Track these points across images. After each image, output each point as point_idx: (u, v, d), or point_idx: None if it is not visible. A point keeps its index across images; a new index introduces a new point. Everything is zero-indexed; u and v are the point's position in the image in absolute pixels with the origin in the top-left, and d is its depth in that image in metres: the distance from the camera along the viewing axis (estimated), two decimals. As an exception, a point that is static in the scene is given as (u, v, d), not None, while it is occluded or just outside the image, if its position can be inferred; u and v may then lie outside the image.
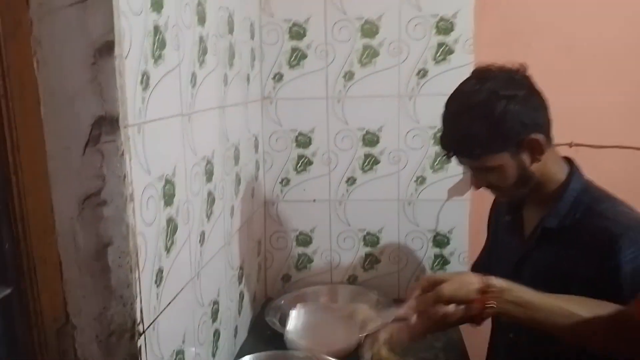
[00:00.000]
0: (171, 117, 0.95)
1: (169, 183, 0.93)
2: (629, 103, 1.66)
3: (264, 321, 1.49)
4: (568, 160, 1.13)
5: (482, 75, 1.07)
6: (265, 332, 1.47)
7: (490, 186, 1.11)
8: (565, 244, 1.04)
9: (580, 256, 1.01)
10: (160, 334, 0.90)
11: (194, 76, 1.04)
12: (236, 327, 1.40)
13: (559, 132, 1.11)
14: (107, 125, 0.76)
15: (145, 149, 0.84)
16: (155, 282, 0.89)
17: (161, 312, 0.91)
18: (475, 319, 0.91)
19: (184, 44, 0.99)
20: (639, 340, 0.81)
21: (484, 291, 0.89)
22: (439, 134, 1.63)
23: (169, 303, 0.94)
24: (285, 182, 1.71)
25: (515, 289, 0.90)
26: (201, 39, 1.09)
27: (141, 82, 0.82)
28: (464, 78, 1.11)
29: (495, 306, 0.89)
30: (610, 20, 1.61)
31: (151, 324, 0.87)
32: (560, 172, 1.10)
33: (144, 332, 0.84)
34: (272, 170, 1.70)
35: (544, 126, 1.06)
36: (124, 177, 0.78)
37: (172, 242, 0.95)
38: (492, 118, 1.01)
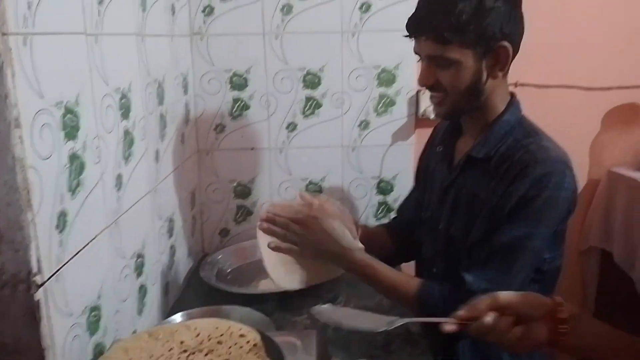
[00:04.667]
0: (71, 33, 0.80)
1: (70, 112, 0.79)
2: (575, 42, 1.63)
3: (199, 277, 1.39)
4: (511, 95, 1.10)
5: None
6: (201, 288, 1.37)
7: (436, 86, 1.04)
8: (487, 173, 1.04)
9: (496, 184, 1.01)
10: (66, 287, 0.78)
11: (99, -9, 0.89)
12: (167, 283, 1.29)
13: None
14: (-22, 29, 0.61)
15: (36, 67, 0.70)
16: (57, 226, 0.76)
17: (67, 262, 0.78)
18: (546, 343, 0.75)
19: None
20: None
21: (554, 311, 0.74)
22: (382, 74, 1.56)
23: (78, 252, 0.82)
24: (220, 128, 1.58)
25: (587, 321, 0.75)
26: (108, -51, 0.93)
27: (24, -18, 0.67)
28: (409, 11, 1.03)
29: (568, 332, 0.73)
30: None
31: (53, 274, 0.74)
32: (501, 104, 1.07)
33: (43, 283, 0.72)
34: (205, 115, 1.57)
35: (515, 44, 1.01)
36: (6, 96, 0.64)
37: (78, 183, 0.82)
38: (479, 7, 0.96)
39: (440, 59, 1.00)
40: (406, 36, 1.04)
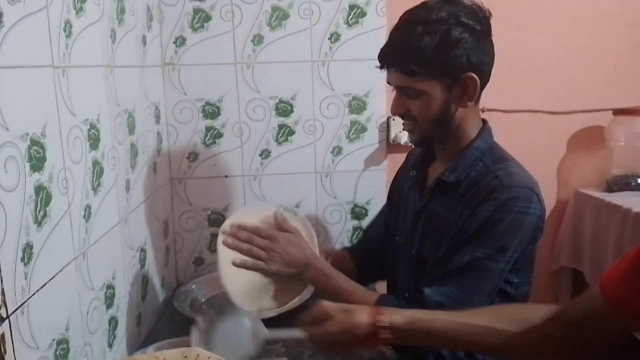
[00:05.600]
0: (37, 67, 0.81)
1: (36, 144, 0.79)
2: (539, 69, 1.68)
3: (173, 307, 1.37)
4: (483, 122, 1.13)
5: None
6: (175, 318, 1.35)
7: (407, 115, 1.07)
8: (456, 198, 1.05)
9: (463, 208, 1.03)
10: (33, 320, 0.77)
11: (68, 24, 0.90)
12: (140, 314, 1.27)
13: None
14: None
15: (1, 101, 0.70)
16: (23, 259, 0.75)
17: (33, 295, 0.77)
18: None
19: (53, -17, 0.85)
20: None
21: (374, 332, 0.84)
22: (353, 102, 1.59)
23: (44, 285, 0.81)
24: (193, 157, 1.59)
25: (415, 320, 0.83)
26: (77, -17, 0.94)
27: (-11, 18, 0.68)
28: (377, 40, 1.06)
29: (388, 345, 0.86)
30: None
31: (18, 308, 0.73)
32: (473, 130, 1.10)
33: (8, 317, 0.71)
34: (177, 144, 1.57)
35: (484, 74, 1.04)
36: (-31, 130, 0.64)
37: (45, 215, 0.81)
38: (444, 39, 0.98)
39: (409, 90, 1.03)
40: (378, 67, 1.07)
